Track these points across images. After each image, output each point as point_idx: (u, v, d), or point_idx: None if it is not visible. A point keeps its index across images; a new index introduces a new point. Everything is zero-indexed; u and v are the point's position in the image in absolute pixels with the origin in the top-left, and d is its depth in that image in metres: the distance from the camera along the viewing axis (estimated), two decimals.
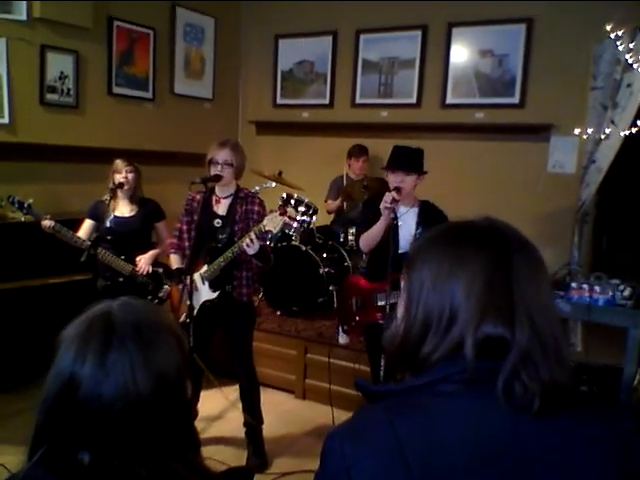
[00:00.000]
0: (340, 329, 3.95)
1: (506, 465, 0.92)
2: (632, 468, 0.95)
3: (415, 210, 3.41)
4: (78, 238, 3.88)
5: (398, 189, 3.24)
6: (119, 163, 4.04)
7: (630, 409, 1.03)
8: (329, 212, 5.66)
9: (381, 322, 3.35)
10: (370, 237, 3.37)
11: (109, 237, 3.92)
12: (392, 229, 3.28)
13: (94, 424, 0.98)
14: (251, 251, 3.23)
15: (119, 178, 3.99)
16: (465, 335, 0.95)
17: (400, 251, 3.29)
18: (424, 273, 1.02)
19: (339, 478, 0.92)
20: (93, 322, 1.03)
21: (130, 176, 4.01)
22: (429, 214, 3.39)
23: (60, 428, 0.99)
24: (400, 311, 1.05)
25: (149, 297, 4.07)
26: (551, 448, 0.93)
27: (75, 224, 4.02)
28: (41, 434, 1.01)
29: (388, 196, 3.21)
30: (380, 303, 3.37)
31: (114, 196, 3.98)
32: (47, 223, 3.75)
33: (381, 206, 3.24)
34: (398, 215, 3.31)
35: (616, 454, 0.95)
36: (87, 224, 4.07)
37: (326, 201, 5.66)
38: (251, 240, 3.18)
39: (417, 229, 3.36)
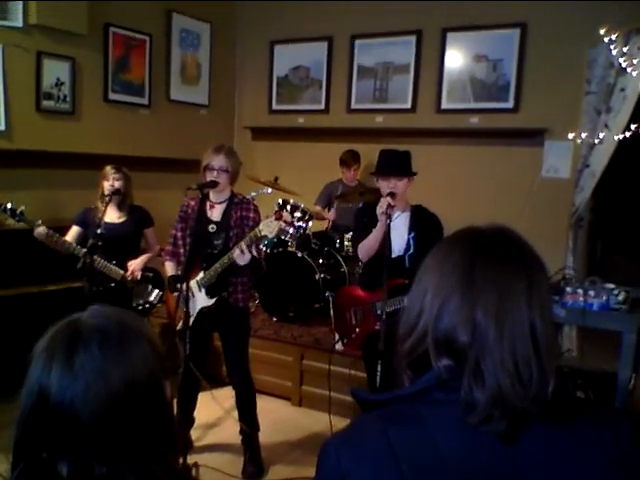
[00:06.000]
0: (340, 342, 3.86)
1: (500, 476, 0.92)
2: (631, 478, 0.95)
3: (407, 214, 3.40)
4: (70, 244, 3.88)
5: (392, 194, 3.24)
6: (107, 170, 4.04)
7: (627, 417, 1.03)
8: (316, 218, 5.56)
9: (377, 328, 3.32)
10: (368, 245, 3.35)
11: (100, 243, 3.91)
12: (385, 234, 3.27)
13: (70, 432, 0.97)
14: (241, 262, 3.22)
15: (106, 186, 4.00)
16: (427, 330, 0.97)
17: (393, 256, 3.28)
18: (423, 280, 1.03)
19: None
20: (59, 331, 1.03)
21: (117, 184, 4.01)
22: (422, 218, 3.39)
23: (38, 441, 0.99)
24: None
25: (140, 301, 4.07)
26: (546, 459, 0.93)
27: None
28: (20, 448, 1.01)
29: (383, 202, 3.20)
30: (380, 311, 3.20)
31: (107, 203, 3.97)
32: (40, 230, 3.75)
33: (377, 212, 3.23)
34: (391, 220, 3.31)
35: (614, 465, 0.95)
36: (73, 230, 4.05)
37: (315, 204, 5.63)
38: (242, 251, 3.18)
39: (410, 233, 3.35)
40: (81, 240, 3.96)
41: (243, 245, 3.18)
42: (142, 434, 1.02)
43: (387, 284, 3.08)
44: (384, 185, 3.31)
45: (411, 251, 3.32)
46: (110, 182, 4.00)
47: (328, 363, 3.94)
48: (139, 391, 1.02)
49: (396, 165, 3.33)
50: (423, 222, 3.36)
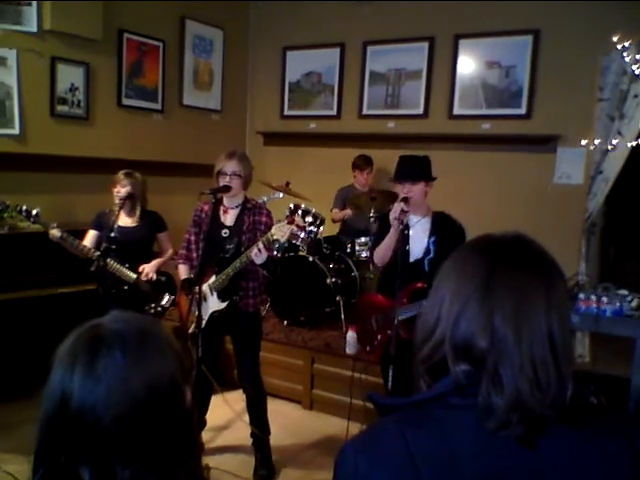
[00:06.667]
0: (362, 349, 3.83)
1: None
2: None
3: (427, 220, 3.37)
4: (84, 246, 3.91)
5: (406, 199, 3.23)
6: (117, 176, 4.06)
7: None
8: (334, 221, 5.69)
9: (388, 333, 3.33)
10: (382, 250, 3.35)
11: (113, 246, 3.94)
12: (402, 239, 3.26)
13: (91, 436, 0.98)
14: (259, 260, 3.24)
15: (114, 192, 4.03)
16: (445, 337, 0.98)
17: (412, 259, 3.29)
18: (441, 287, 1.04)
19: None
20: (81, 336, 1.04)
21: (123, 190, 4.01)
22: (443, 225, 3.35)
23: (59, 444, 0.99)
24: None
25: (152, 305, 4.10)
26: (564, 464, 0.93)
27: (84, 234, 4.06)
28: (42, 452, 1.01)
29: (397, 207, 3.19)
30: (402, 317, 3.15)
31: (120, 207, 4.00)
32: (55, 232, 3.79)
33: (390, 217, 3.23)
34: (410, 225, 3.30)
35: (631, 468, 0.95)
36: (91, 234, 4.09)
37: (332, 210, 5.68)
38: (259, 250, 3.20)
39: (430, 238, 3.32)
40: (99, 243, 3.99)
41: (260, 244, 3.21)
42: (163, 438, 1.02)
43: (406, 288, 3.08)
44: (400, 190, 3.32)
45: (431, 255, 3.30)
46: (117, 189, 4.03)
47: (352, 369, 3.98)
48: (160, 396, 1.02)
49: (410, 170, 3.32)
50: (445, 228, 3.33)
